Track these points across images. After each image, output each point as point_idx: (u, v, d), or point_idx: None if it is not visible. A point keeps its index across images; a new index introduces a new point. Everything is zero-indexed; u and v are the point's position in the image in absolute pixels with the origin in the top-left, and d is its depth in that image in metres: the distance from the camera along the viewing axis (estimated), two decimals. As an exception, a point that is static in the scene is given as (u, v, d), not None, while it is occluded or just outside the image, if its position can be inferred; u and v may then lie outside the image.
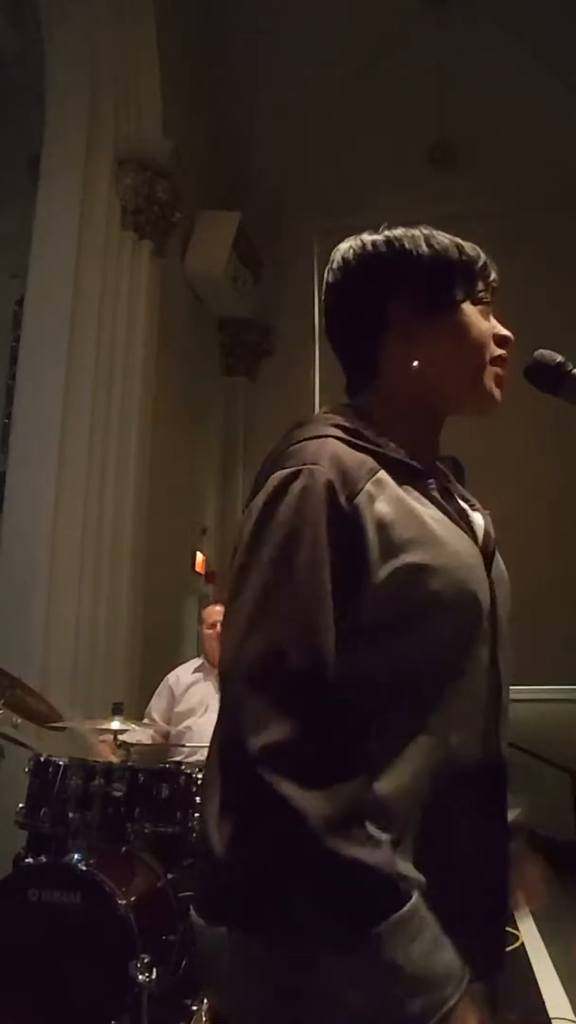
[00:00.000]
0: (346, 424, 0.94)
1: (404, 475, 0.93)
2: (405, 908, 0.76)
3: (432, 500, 0.94)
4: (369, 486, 0.88)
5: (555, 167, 5.81)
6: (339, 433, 0.93)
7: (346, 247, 1.02)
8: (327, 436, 0.92)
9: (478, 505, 1.06)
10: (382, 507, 0.88)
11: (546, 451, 5.54)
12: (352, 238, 1.03)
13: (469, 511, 1.03)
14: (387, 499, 0.89)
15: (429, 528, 0.90)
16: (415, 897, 0.77)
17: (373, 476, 0.89)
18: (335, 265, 1.03)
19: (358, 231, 1.05)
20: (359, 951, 0.75)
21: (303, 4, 5.73)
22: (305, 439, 0.92)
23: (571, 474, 5.57)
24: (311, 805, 0.75)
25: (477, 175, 5.99)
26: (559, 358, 1.03)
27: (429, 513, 0.92)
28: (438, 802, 0.86)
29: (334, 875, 0.76)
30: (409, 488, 0.92)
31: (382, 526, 0.87)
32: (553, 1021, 2.60)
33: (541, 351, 1.03)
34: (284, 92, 6.02)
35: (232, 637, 0.86)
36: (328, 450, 0.90)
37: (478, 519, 1.03)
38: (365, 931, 0.74)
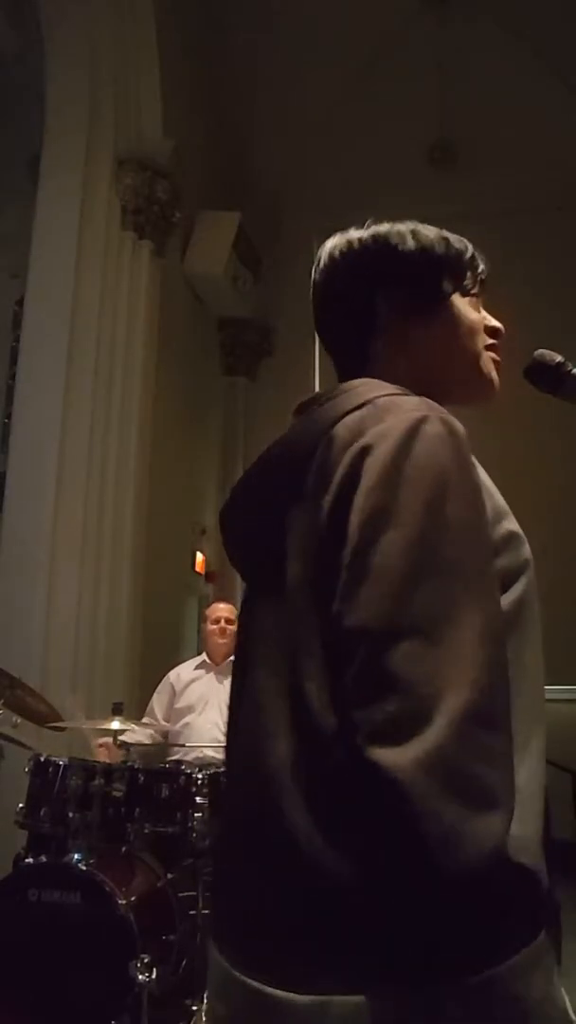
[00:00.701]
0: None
1: None
2: (539, 938, 0.67)
3: None
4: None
5: (555, 167, 5.81)
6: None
7: (332, 244, 1.01)
8: (408, 394, 0.84)
9: None
10: (482, 471, 0.83)
11: (546, 451, 5.54)
12: (338, 235, 1.02)
13: None
14: (480, 465, 0.84)
15: (500, 498, 0.88)
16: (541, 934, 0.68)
17: None
18: (322, 263, 1.02)
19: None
20: (483, 987, 0.64)
21: (303, 4, 5.73)
22: (391, 394, 0.83)
23: (571, 474, 5.57)
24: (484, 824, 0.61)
25: (477, 175, 5.99)
26: (559, 358, 1.03)
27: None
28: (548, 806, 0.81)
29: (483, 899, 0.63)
30: None
31: (488, 488, 0.83)
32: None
33: (541, 351, 1.03)
34: (284, 92, 6.02)
35: (379, 594, 0.67)
36: (439, 406, 0.82)
37: None
38: (494, 964, 0.64)
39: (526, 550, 0.85)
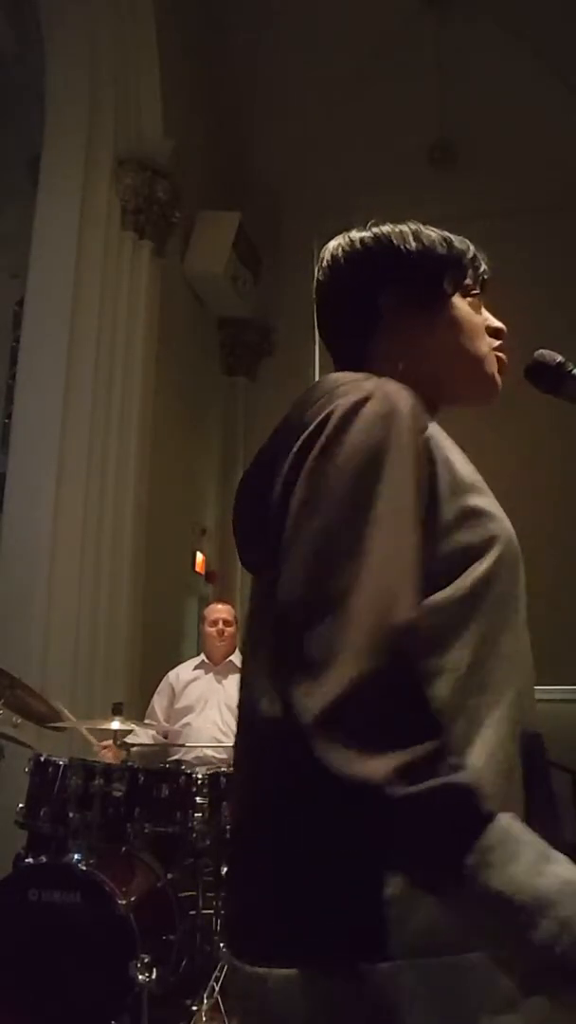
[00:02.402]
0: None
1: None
2: (491, 829, 0.64)
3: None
4: (433, 426, 0.85)
5: (555, 167, 5.81)
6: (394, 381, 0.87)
7: (335, 244, 1.02)
8: (385, 379, 0.86)
9: None
10: (446, 444, 0.85)
11: (546, 451, 5.54)
12: (340, 236, 1.03)
13: None
14: (447, 442, 0.86)
15: (479, 478, 0.87)
16: (501, 818, 0.65)
17: (433, 420, 0.86)
18: (324, 263, 1.03)
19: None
20: (457, 895, 0.64)
21: (303, 4, 5.73)
22: (353, 380, 0.84)
23: (571, 474, 5.57)
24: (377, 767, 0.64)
25: (477, 175, 5.99)
26: (559, 358, 1.03)
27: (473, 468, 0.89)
28: (530, 776, 0.80)
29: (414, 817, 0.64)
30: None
31: (448, 463, 0.84)
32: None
33: (541, 351, 1.03)
34: (284, 92, 6.02)
35: (295, 577, 0.72)
36: (395, 386, 0.83)
37: None
38: (456, 869, 0.62)
39: (495, 526, 0.84)
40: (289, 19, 5.74)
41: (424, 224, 1.03)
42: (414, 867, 0.67)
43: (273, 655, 0.76)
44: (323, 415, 0.80)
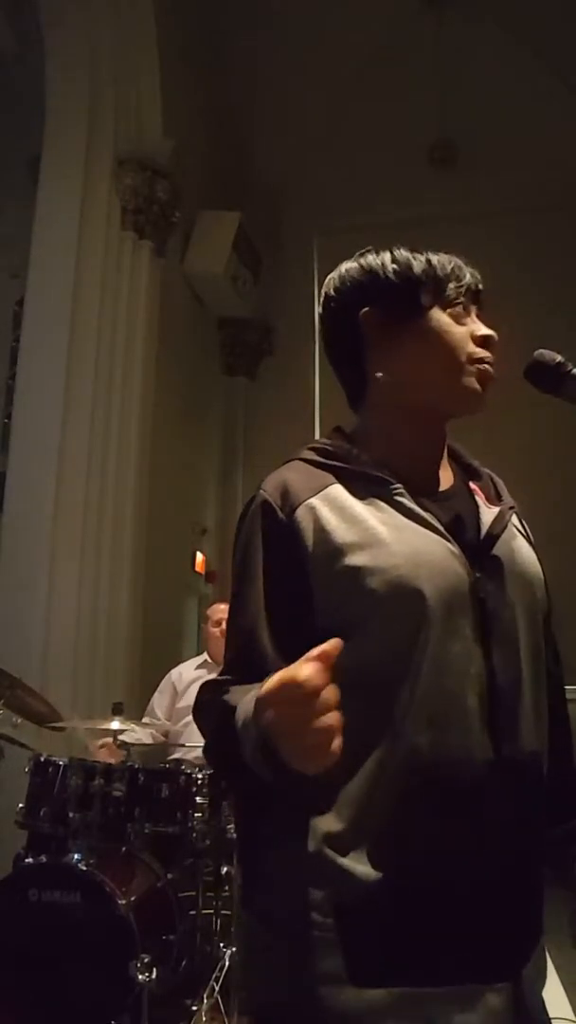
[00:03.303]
0: (319, 446, 1.05)
1: (366, 484, 0.99)
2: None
3: (395, 505, 0.98)
4: (314, 500, 0.97)
5: (555, 167, 5.80)
6: (309, 455, 1.04)
7: (328, 279, 1.11)
8: (293, 460, 1.05)
9: (504, 500, 1.10)
10: (325, 517, 0.96)
11: (546, 452, 5.54)
12: (335, 271, 1.11)
13: (482, 506, 1.05)
14: (332, 509, 0.97)
15: (373, 531, 0.95)
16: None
17: (322, 491, 0.98)
18: (322, 300, 1.12)
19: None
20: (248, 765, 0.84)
21: (303, 4, 5.73)
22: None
23: (572, 474, 5.57)
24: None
25: (477, 175, 5.99)
26: (559, 358, 1.03)
27: (382, 517, 0.96)
28: (406, 803, 0.89)
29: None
30: (371, 498, 0.98)
31: (323, 533, 0.95)
32: (553, 1021, 2.60)
33: (541, 351, 1.03)
34: (284, 92, 6.02)
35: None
36: (279, 474, 1.02)
37: (486, 515, 1.04)
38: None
39: (378, 580, 0.92)
40: (289, 19, 5.74)
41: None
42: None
43: None
44: None
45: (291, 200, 6.39)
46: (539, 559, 1.08)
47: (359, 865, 0.89)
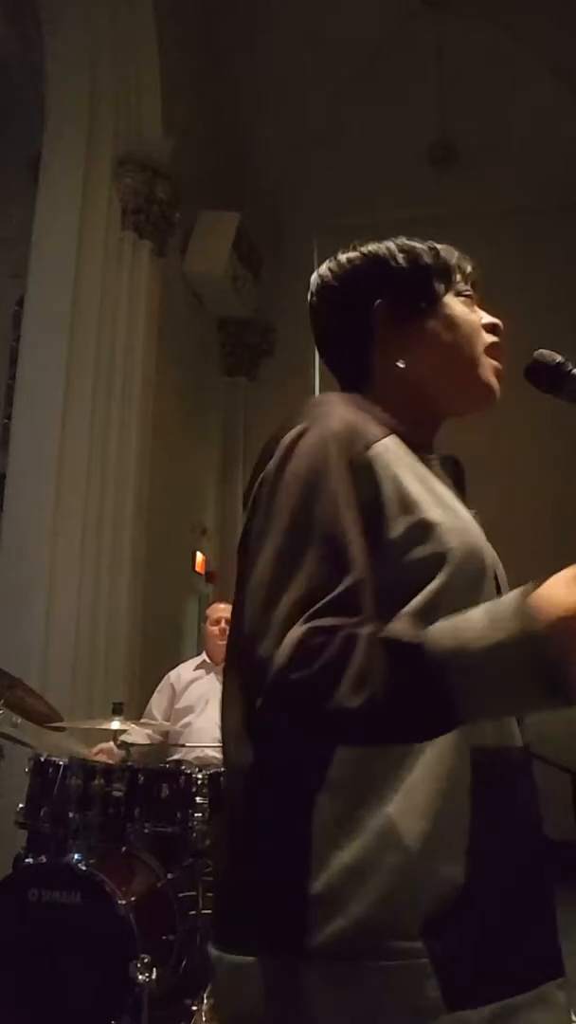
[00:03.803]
0: (355, 397, 0.95)
1: (413, 447, 0.92)
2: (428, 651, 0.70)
3: (437, 476, 0.93)
4: (386, 440, 0.88)
5: (555, 167, 5.81)
6: (349, 401, 0.93)
7: (324, 269, 1.05)
8: (341, 401, 0.92)
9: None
10: (398, 463, 0.87)
11: (546, 452, 5.54)
12: (329, 259, 1.06)
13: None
14: (399, 459, 0.88)
15: (437, 490, 0.89)
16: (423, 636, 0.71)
17: (387, 435, 0.89)
18: (315, 288, 1.06)
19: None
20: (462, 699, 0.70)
21: (303, 4, 5.73)
22: (306, 407, 0.91)
23: (572, 474, 5.57)
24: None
25: (477, 175, 5.99)
26: (559, 358, 1.02)
27: (435, 481, 0.91)
28: (475, 791, 0.81)
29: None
30: (417, 459, 0.91)
31: (397, 481, 0.85)
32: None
33: (541, 351, 1.03)
34: (284, 92, 6.02)
35: (251, 608, 0.79)
36: (337, 408, 0.89)
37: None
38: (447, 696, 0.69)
39: (451, 539, 0.84)
40: (289, 19, 5.74)
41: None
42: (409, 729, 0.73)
43: (237, 670, 0.86)
44: (278, 448, 0.87)
45: (291, 200, 6.39)
46: None
47: (444, 866, 0.78)
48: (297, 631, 0.72)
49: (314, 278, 1.07)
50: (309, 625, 0.72)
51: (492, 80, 5.96)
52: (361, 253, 1.03)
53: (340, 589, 0.76)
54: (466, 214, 5.54)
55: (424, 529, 0.84)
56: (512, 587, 1.01)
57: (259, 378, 6.58)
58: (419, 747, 0.79)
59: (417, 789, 0.79)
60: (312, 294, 1.07)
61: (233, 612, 0.92)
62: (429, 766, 0.79)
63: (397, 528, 0.83)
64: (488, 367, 1.00)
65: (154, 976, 2.20)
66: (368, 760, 0.79)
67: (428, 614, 0.79)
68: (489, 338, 1.01)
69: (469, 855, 0.78)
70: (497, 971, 0.78)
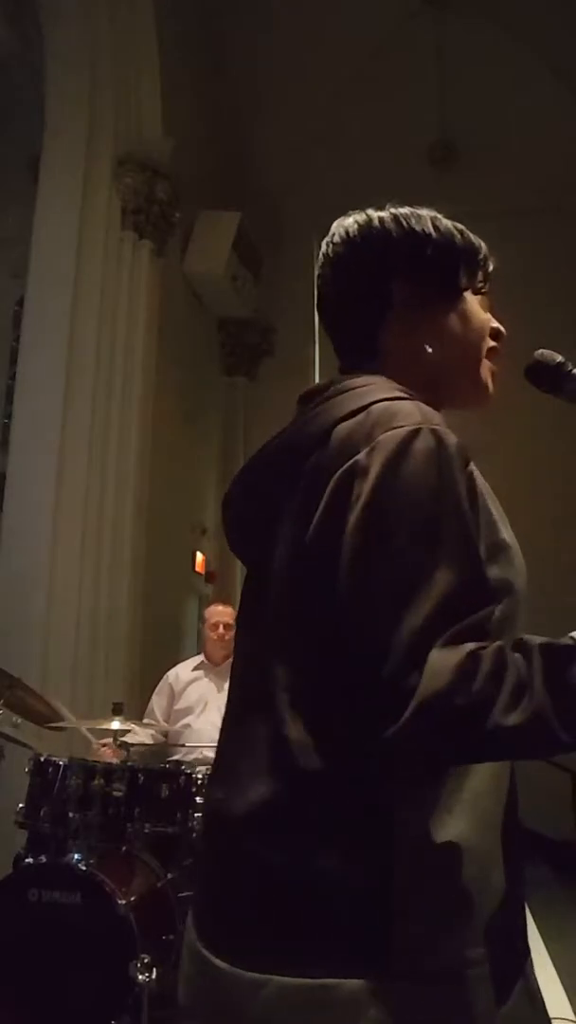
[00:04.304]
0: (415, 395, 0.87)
1: None
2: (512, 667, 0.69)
3: None
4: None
5: (555, 167, 5.81)
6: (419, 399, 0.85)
7: (350, 221, 0.97)
8: (411, 398, 0.84)
9: None
10: (480, 479, 0.84)
11: (546, 452, 5.54)
12: (356, 212, 0.98)
13: None
14: (477, 471, 0.84)
15: (499, 509, 0.87)
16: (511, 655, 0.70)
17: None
18: (336, 238, 0.98)
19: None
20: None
21: (303, 4, 5.73)
22: (387, 399, 0.83)
23: (572, 474, 5.57)
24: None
25: (477, 175, 6.00)
26: (559, 358, 1.02)
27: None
28: (510, 793, 0.84)
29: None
30: None
31: (483, 498, 0.83)
32: (553, 1021, 2.60)
33: (541, 351, 1.03)
34: (284, 92, 6.02)
35: (369, 620, 0.72)
36: (432, 411, 0.82)
37: None
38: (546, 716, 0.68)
39: (517, 562, 0.84)
40: (289, 19, 5.74)
41: (430, 208, 1.02)
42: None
43: (345, 691, 0.75)
44: (368, 445, 0.78)
45: (291, 200, 6.39)
46: None
47: (495, 875, 0.79)
48: (453, 656, 0.68)
49: (336, 228, 0.98)
50: (469, 651, 0.69)
51: (492, 80, 5.96)
52: (394, 216, 0.96)
53: (484, 612, 0.73)
54: (466, 214, 5.52)
55: (500, 551, 0.83)
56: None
57: (259, 378, 6.58)
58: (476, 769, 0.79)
59: (483, 798, 0.78)
60: (330, 244, 0.98)
61: (271, 616, 0.86)
62: (490, 774, 0.80)
63: (483, 547, 0.81)
64: (486, 369, 0.99)
65: (154, 976, 2.20)
66: (440, 774, 0.78)
67: (496, 625, 0.78)
68: (491, 343, 1.00)
69: (506, 862, 0.80)
70: (512, 967, 0.80)
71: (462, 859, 0.75)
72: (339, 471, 0.79)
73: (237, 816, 0.80)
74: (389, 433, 0.78)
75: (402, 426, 0.78)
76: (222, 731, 0.92)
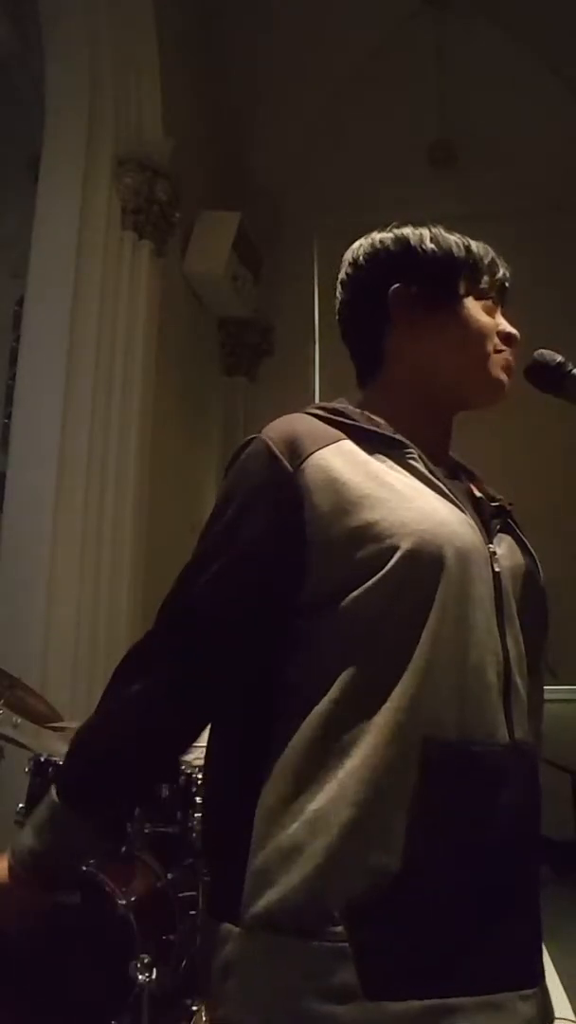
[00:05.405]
0: (328, 405, 0.99)
1: (378, 445, 0.92)
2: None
3: (409, 468, 0.91)
4: (326, 450, 0.90)
5: (555, 167, 5.81)
6: (316, 411, 0.97)
7: (357, 245, 1.06)
8: (294, 415, 0.97)
9: (502, 499, 1.05)
10: (339, 468, 0.88)
11: (546, 452, 5.54)
12: (364, 237, 1.07)
13: (483, 499, 1.02)
14: (346, 462, 0.89)
15: (391, 486, 0.88)
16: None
17: (335, 443, 0.91)
18: (347, 263, 1.07)
19: (358, 231, 1.06)
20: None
21: (303, 4, 5.73)
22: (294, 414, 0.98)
23: (572, 474, 5.57)
24: None
25: (477, 175, 5.99)
26: (559, 358, 1.03)
27: (397, 476, 0.90)
28: (424, 783, 0.80)
29: None
30: (383, 457, 0.91)
31: (337, 485, 0.87)
32: (554, 1021, 2.60)
33: (541, 351, 1.03)
34: (284, 92, 6.02)
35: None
36: (284, 423, 0.95)
37: (487, 508, 1.01)
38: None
39: (403, 537, 0.83)
40: (289, 19, 5.74)
41: (437, 225, 1.04)
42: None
43: None
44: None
45: (291, 200, 6.39)
46: (538, 563, 1.03)
47: (374, 855, 0.78)
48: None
49: (347, 255, 1.08)
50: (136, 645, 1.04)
51: (492, 80, 5.96)
52: (393, 235, 1.04)
53: (181, 607, 0.97)
54: (466, 214, 5.53)
55: (363, 531, 0.85)
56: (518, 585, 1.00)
57: (259, 378, 6.57)
58: (361, 738, 0.81)
59: (351, 777, 0.80)
60: (342, 269, 1.08)
61: None
62: (365, 756, 0.81)
63: (334, 532, 0.86)
64: (496, 362, 1.00)
65: (154, 976, 2.20)
66: (315, 749, 0.83)
67: (369, 605, 0.84)
68: (500, 347, 1.00)
69: (408, 849, 0.78)
70: (436, 968, 0.77)
71: (311, 830, 0.80)
72: None
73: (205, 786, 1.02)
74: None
75: (251, 437, 0.95)
76: None
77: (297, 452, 0.90)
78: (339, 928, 0.77)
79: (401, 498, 0.87)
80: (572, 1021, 2.60)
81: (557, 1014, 2.68)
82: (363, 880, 0.78)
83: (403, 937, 0.77)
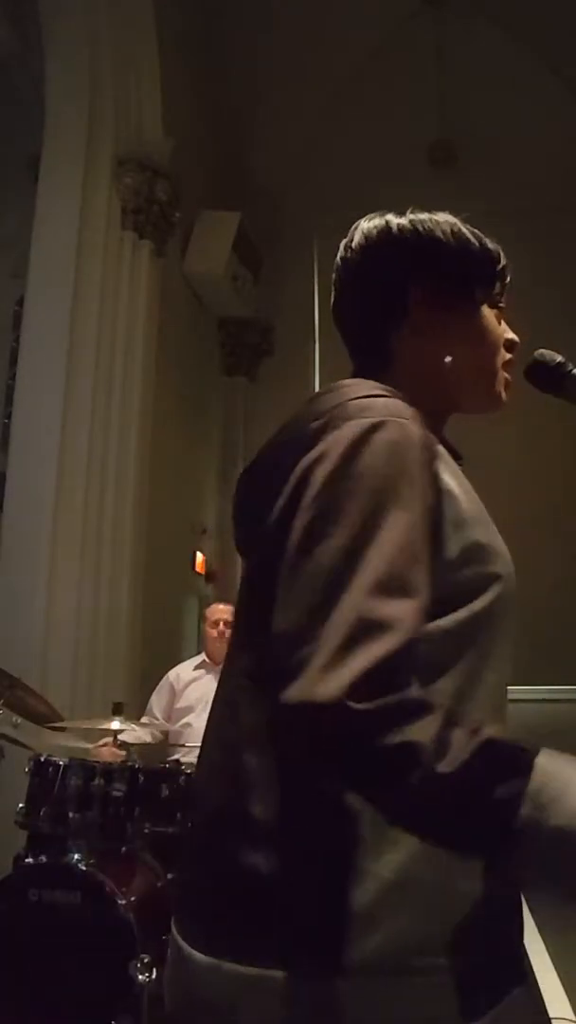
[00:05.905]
0: (392, 391, 0.86)
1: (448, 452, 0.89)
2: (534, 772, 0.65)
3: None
4: (440, 451, 0.84)
5: (555, 167, 5.81)
6: (399, 397, 0.85)
7: (368, 225, 0.98)
8: (392, 396, 0.83)
9: None
10: (450, 478, 0.83)
11: (546, 452, 5.54)
12: (375, 216, 0.99)
13: None
14: (452, 471, 0.84)
15: (482, 507, 0.86)
16: (539, 759, 0.66)
17: (438, 443, 0.84)
18: (354, 243, 0.98)
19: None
20: (519, 846, 0.64)
21: (303, 4, 5.73)
22: (365, 396, 0.83)
23: (572, 475, 5.57)
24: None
25: (477, 175, 5.99)
26: (559, 358, 1.02)
27: (476, 494, 0.88)
28: None
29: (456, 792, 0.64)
30: (457, 468, 0.88)
31: (452, 497, 0.82)
32: (553, 1021, 2.60)
33: (541, 351, 1.03)
34: (284, 92, 6.02)
35: (301, 600, 0.71)
36: (407, 407, 0.82)
37: None
38: (512, 825, 0.63)
39: (498, 563, 0.84)
40: (289, 19, 5.74)
41: (449, 213, 1.02)
42: (457, 837, 0.68)
43: (265, 671, 0.76)
44: (332, 435, 0.78)
45: (291, 200, 6.39)
46: None
47: (463, 882, 0.77)
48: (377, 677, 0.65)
49: (353, 232, 0.99)
50: (399, 697, 0.65)
51: (492, 80, 5.96)
52: (412, 223, 0.96)
53: (410, 622, 0.69)
54: (466, 214, 5.53)
55: (475, 551, 0.82)
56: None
57: (259, 378, 6.58)
58: None
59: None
60: (348, 248, 0.99)
61: (244, 606, 0.90)
62: None
63: (452, 548, 0.80)
64: (502, 380, 1.00)
65: (154, 976, 2.20)
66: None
67: (469, 634, 0.80)
68: (506, 355, 1.00)
69: (485, 870, 0.78)
70: (494, 982, 0.79)
71: (419, 861, 0.74)
72: (304, 462, 0.79)
73: (204, 812, 0.86)
74: (353, 424, 0.78)
75: (364, 417, 0.79)
76: (207, 727, 0.93)
77: (431, 449, 0.81)
78: (443, 960, 0.74)
79: (490, 522, 0.86)
80: (572, 1021, 2.59)
81: (557, 1014, 2.68)
82: (458, 908, 0.76)
83: (482, 959, 0.78)
